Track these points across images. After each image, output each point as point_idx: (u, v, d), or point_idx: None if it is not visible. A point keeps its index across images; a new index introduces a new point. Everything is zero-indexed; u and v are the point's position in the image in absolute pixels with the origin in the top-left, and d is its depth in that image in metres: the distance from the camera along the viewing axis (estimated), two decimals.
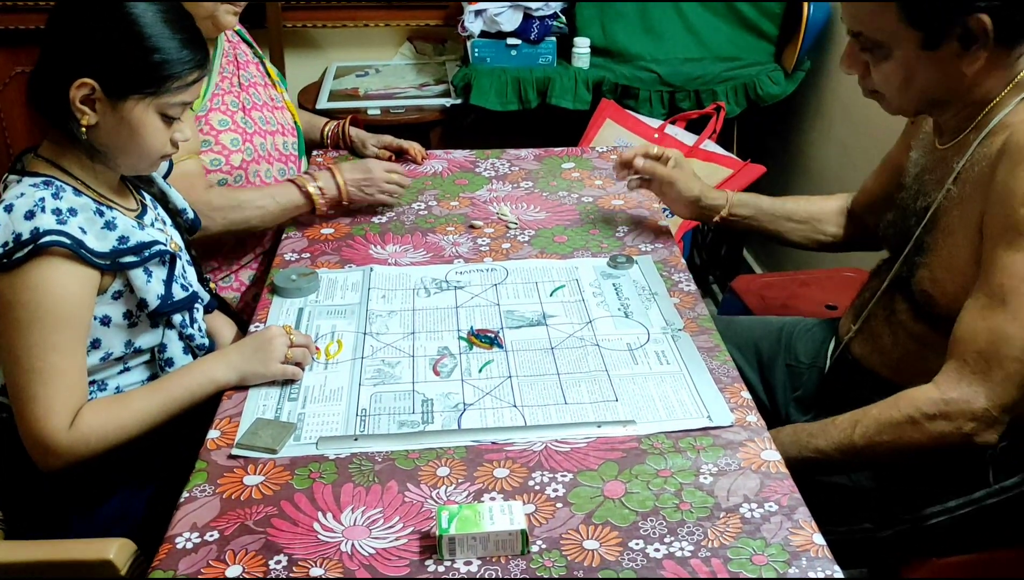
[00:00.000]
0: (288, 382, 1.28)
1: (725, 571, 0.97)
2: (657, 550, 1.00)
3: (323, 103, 2.62)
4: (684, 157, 1.65)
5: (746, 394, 1.25)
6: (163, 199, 1.41)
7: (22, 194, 1.16)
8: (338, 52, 2.95)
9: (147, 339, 1.29)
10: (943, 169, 1.28)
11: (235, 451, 1.15)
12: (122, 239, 1.22)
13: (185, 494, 1.08)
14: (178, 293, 1.29)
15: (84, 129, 1.17)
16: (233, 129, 1.68)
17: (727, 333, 1.47)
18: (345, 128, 2.02)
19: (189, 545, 1.00)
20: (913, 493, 1.30)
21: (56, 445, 1.15)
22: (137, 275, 1.23)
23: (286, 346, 1.27)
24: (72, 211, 1.18)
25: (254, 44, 1.86)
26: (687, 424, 1.19)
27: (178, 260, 1.31)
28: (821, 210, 1.66)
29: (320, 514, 1.05)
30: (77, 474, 1.21)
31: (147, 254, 1.24)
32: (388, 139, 2.00)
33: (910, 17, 1.15)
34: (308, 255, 1.62)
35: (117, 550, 1.09)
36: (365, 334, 1.40)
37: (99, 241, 1.19)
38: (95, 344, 1.24)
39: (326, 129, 2.03)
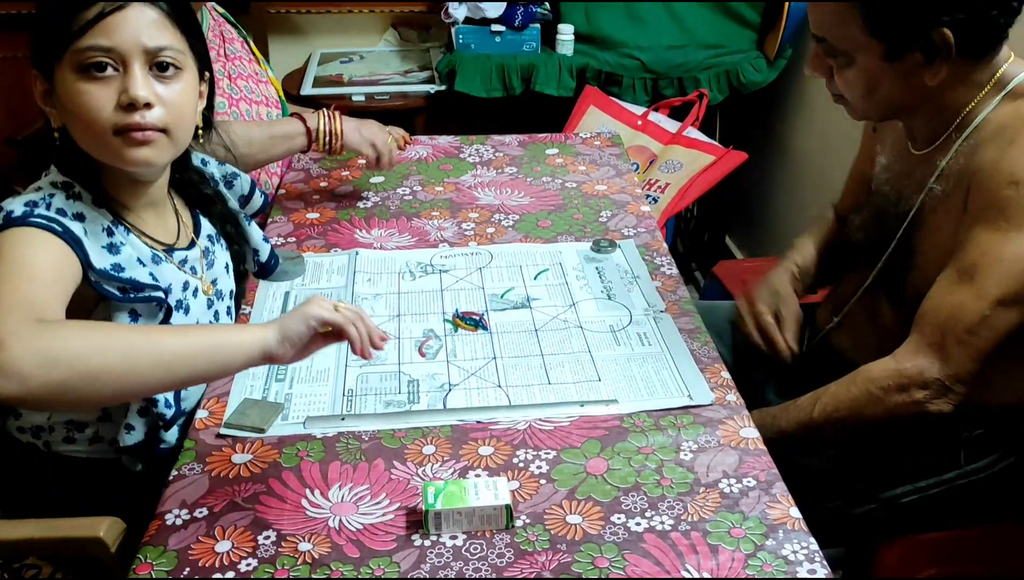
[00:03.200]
0: (276, 365, 1.24)
1: (704, 544, 0.99)
2: (638, 524, 1.02)
3: (307, 89, 2.63)
4: (785, 293, 1.52)
5: (726, 374, 1.28)
6: (235, 237, 1.30)
7: (38, 188, 1.07)
8: (322, 38, 2.95)
9: None
10: (923, 170, 1.28)
11: (223, 430, 1.16)
12: (116, 267, 1.06)
13: (174, 472, 1.09)
14: (141, 277, 1.10)
15: (56, 132, 1.05)
16: (219, 93, 1.70)
17: (706, 318, 1.49)
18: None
19: (179, 522, 1.02)
20: (888, 476, 1.33)
21: (14, 339, 0.86)
22: (120, 316, 1.08)
23: (330, 304, 1.03)
24: (80, 216, 1.05)
25: (239, 25, 1.88)
26: (668, 403, 1.22)
27: (176, 312, 1.14)
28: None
29: (308, 491, 1.07)
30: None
31: (135, 296, 1.07)
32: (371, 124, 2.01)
33: (873, 28, 1.15)
34: (294, 240, 1.63)
35: (107, 528, 1.10)
36: None
37: (95, 257, 1.04)
38: None
39: None
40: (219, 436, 1.16)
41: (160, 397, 1.12)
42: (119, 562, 1.10)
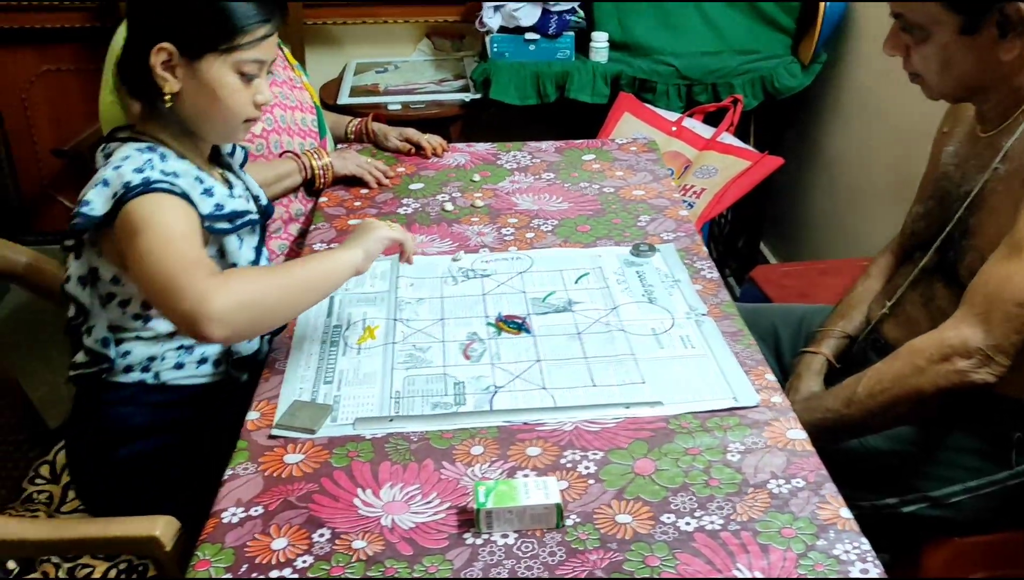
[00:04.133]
0: (323, 365, 1.31)
1: (755, 543, 1.00)
2: (688, 523, 1.03)
3: (344, 99, 2.66)
4: None
5: (770, 377, 1.28)
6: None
7: (128, 156, 1.20)
8: (357, 49, 2.99)
9: None
10: (988, 153, 1.30)
11: (275, 431, 1.18)
12: (218, 206, 1.26)
13: (229, 471, 1.11)
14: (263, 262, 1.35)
15: (168, 97, 1.21)
16: None
17: (747, 321, 1.49)
18: (367, 123, 2.06)
19: (235, 519, 1.04)
20: (937, 475, 1.32)
21: (210, 293, 1.09)
22: (231, 241, 1.29)
23: (385, 224, 1.34)
24: (176, 174, 1.22)
25: None
26: (713, 405, 1.22)
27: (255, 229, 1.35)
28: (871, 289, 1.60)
29: (359, 490, 1.09)
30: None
31: (239, 223, 1.29)
32: (410, 132, 2.04)
33: (950, 1, 1.18)
34: (336, 245, 1.65)
35: (163, 527, 1.13)
36: (395, 321, 1.43)
37: (200, 204, 1.23)
38: None
39: (349, 126, 2.08)
40: (271, 437, 1.18)
41: None
42: (176, 560, 1.13)
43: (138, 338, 1.29)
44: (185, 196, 1.19)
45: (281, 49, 1.90)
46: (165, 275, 1.10)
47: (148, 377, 1.30)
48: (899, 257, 1.57)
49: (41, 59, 2.90)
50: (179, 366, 1.31)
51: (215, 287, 1.10)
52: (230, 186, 1.36)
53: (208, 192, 1.26)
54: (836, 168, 2.67)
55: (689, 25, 2.56)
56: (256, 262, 1.34)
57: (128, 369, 1.30)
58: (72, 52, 2.88)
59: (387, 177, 1.89)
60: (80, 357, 1.31)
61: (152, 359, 1.30)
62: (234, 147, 1.50)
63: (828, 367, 1.51)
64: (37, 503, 1.41)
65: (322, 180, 1.83)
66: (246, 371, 1.38)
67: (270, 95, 1.28)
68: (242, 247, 1.31)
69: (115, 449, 1.31)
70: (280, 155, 1.80)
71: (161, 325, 1.28)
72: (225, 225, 1.27)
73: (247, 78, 1.24)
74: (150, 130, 1.26)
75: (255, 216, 1.34)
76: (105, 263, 1.25)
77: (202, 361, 1.33)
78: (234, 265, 1.30)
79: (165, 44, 1.19)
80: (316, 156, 1.83)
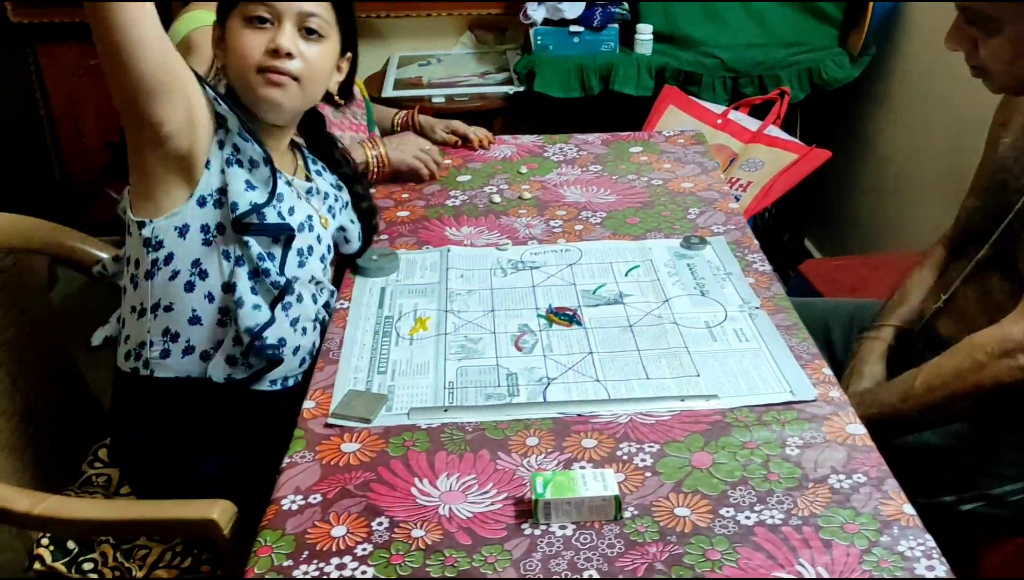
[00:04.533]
0: (376, 355, 1.31)
1: (817, 539, 0.98)
2: (748, 517, 1.02)
3: (388, 92, 2.67)
4: None
5: (827, 370, 1.26)
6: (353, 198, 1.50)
7: None
8: (400, 42, 3.00)
9: (214, 267, 1.24)
10: None
11: (330, 420, 1.19)
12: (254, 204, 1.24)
13: (287, 459, 1.12)
14: (271, 217, 1.26)
15: (216, 71, 1.28)
16: None
17: (799, 315, 1.47)
18: (414, 116, 2.07)
19: (295, 507, 1.05)
20: (996, 473, 1.30)
21: None
22: (236, 175, 1.23)
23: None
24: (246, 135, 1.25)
25: None
26: (770, 398, 1.21)
27: (286, 195, 1.29)
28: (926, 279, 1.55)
29: (416, 479, 1.09)
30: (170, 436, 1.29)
31: (258, 169, 1.25)
32: (456, 124, 2.04)
33: None
34: (386, 237, 1.66)
35: (220, 511, 1.14)
36: (446, 312, 1.43)
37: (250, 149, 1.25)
38: (167, 259, 1.23)
39: (396, 117, 2.08)
40: (327, 426, 1.18)
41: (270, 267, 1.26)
42: (231, 544, 1.14)
43: (131, 310, 1.27)
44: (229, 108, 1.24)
45: None
46: None
47: (140, 366, 1.28)
48: (951, 251, 1.54)
49: (87, 53, 2.93)
50: (165, 354, 1.26)
51: None
52: (305, 184, 1.37)
53: (250, 185, 1.24)
54: (885, 161, 2.63)
55: (735, 17, 2.53)
56: (252, 211, 1.23)
57: (128, 355, 1.29)
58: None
59: (439, 168, 1.88)
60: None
61: (143, 345, 1.27)
62: (357, 180, 1.51)
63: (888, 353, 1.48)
64: (96, 486, 1.43)
65: (375, 171, 1.81)
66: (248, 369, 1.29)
67: (288, 43, 1.23)
68: (248, 192, 1.23)
69: (150, 440, 1.32)
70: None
71: (143, 293, 1.25)
72: (234, 154, 1.24)
73: (258, 26, 1.23)
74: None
75: (283, 224, 1.27)
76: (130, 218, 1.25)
77: (187, 350, 1.27)
78: (227, 217, 1.24)
79: (216, 21, 1.28)
80: (370, 145, 1.81)
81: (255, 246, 1.25)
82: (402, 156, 1.83)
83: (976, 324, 1.36)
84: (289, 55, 1.24)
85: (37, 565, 1.31)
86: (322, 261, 1.38)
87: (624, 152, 1.97)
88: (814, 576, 0.94)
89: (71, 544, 1.32)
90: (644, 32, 2.54)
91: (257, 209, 1.23)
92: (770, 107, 2.46)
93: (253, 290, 1.26)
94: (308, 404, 1.22)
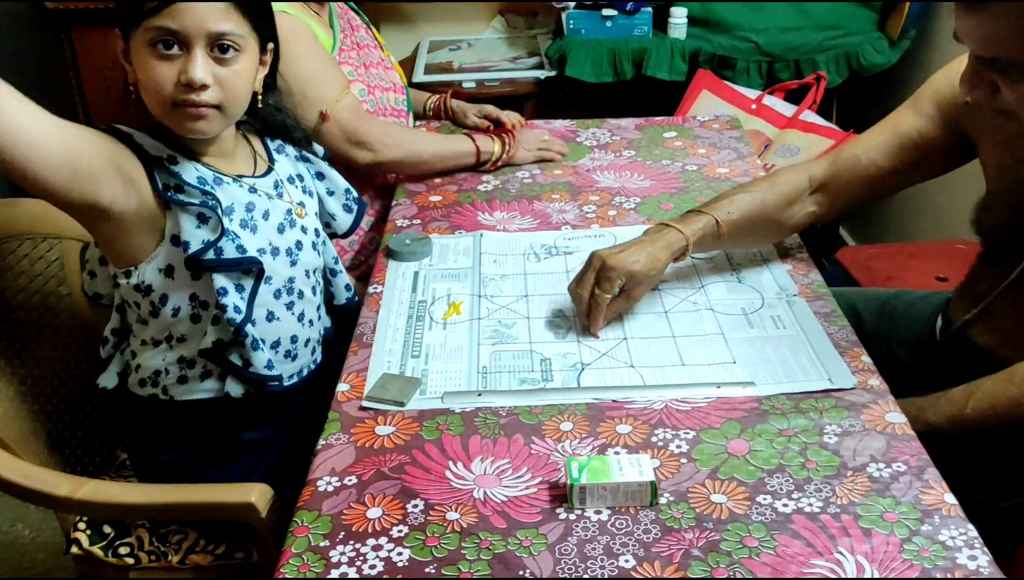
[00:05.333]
0: (410, 339, 1.32)
1: (856, 527, 0.97)
2: (786, 505, 1.00)
3: (419, 76, 2.67)
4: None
5: (866, 358, 1.24)
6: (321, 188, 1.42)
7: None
8: (430, 27, 2.99)
9: (213, 297, 1.21)
10: None
11: (365, 403, 1.19)
12: (201, 180, 1.18)
13: (322, 442, 1.13)
14: (229, 250, 1.18)
15: (132, 87, 1.13)
16: (360, 80, 1.76)
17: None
18: (446, 100, 2.06)
19: (330, 488, 1.05)
20: None
21: None
22: (182, 213, 1.16)
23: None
24: (172, 159, 1.16)
25: (360, 11, 1.92)
26: (808, 386, 1.19)
27: (228, 218, 1.19)
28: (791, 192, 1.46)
29: (451, 463, 1.09)
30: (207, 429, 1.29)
31: (201, 202, 1.17)
32: (489, 108, 2.03)
33: None
34: (419, 221, 1.66)
35: (258, 494, 1.15)
36: (480, 297, 1.43)
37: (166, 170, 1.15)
38: (162, 300, 1.20)
39: (428, 102, 2.08)
40: (361, 409, 1.19)
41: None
42: (269, 528, 1.15)
43: (142, 343, 1.27)
44: (129, 137, 1.12)
45: (369, 28, 1.91)
46: None
47: (159, 392, 1.28)
48: (819, 188, 1.47)
49: None
50: (183, 380, 1.26)
51: None
52: (265, 174, 1.29)
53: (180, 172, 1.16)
54: None
55: (771, 0, 2.50)
56: (205, 250, 1.17)
57: (143, 383, 1.28)
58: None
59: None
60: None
61: (158, 373, 1.26)
62: (309, 144, 1.42)
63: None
64: (130, 469, 1.45)
65: (492, 166, 1.82)
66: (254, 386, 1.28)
67: (201, 74, 1.09)
68: (199, 229, 1.17)
69: (150, 458, 1.33)
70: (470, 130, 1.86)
71: (153, 328, 1.25)
72: (180, 197, 1.15)
73: (164, 53, 1.09)
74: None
75: (288, 208, 1.26)
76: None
77: (204, 375, 1.27)
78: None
79: (116, 29, 1.13)
80: (495, 142, 1.81)
81: (219, 280, 1.19)
82: (525, 154, 1.84)
83: (1015, 338, 1.32)
84: (204, 86, 1.11)
85: (74, 549, 1.33)
86: (315, 248, 1.36)
87: (658, 137, 1.95)
88: (853, 564, 0.93)
89: (107, 528, 1.34)
90: (678, 16, 2.51)
91: (211, 245, 1.17)
92: (806, 92, 2.43)
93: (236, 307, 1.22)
94: (342, 387, 1.23)
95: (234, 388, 1.27)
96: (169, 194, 1.15)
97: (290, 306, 1.31)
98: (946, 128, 1.39)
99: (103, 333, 1.31)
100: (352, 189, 1.46)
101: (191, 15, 1.09)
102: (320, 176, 1.43)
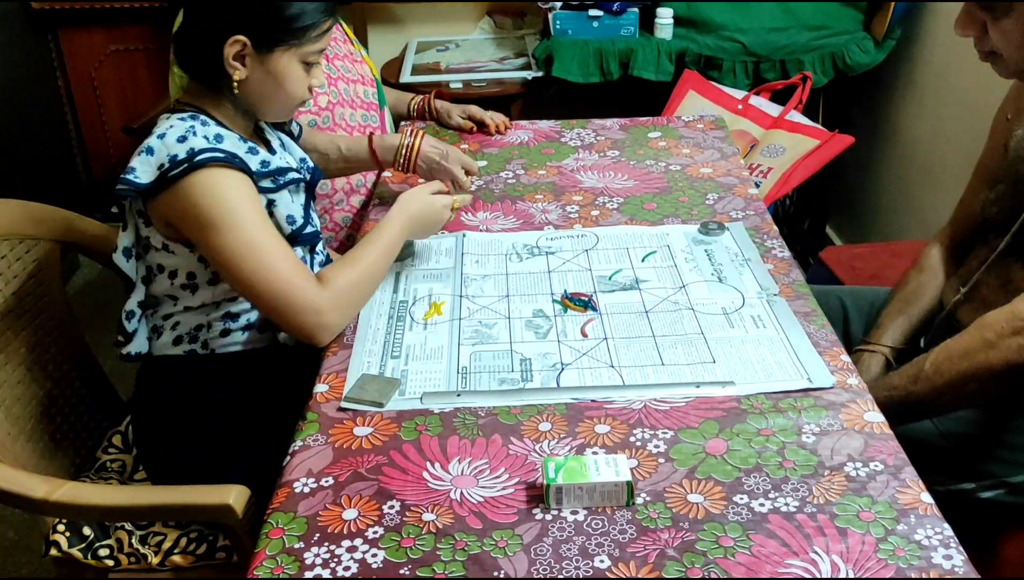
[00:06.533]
0: (390, 339, 1.32)
1: (832, 526, 0.97)
2: (762, 504, 1.00)
3: (406, 77, 2.66)
4: None
5: (845, 358, 1.24)
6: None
7: (172, 125, 1.25)
8: (418, 27, 2.98)
9: None
10: None
11: (343, 404, 1.19)
12: (264, 163, 1.30)
13: (299, 442, 1.12)
14: (312, 223, 1.37)
15: (236, 84, 1.26)
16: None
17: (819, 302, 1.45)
18: (430, 101, 2.06)
19: (306, 490, 1.05)
20: (1016, 461, 1.28)
21: (323, 304, 1.24)
22: (282, 197, 1.32)
23: (448, 217, 1.47)
24: (219, 137, 1.26)
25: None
26: (787, 385, 1.19)
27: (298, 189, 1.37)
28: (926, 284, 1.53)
29: (428, 463, 1.09)
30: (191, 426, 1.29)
31: (283, 181, 1.32)
32: (473, 109, 2.03)
33: None
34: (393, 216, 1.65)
35: (236, 496, 1.15)
36: (461, 297, 1.43)
37: (250, 161, 1.28)
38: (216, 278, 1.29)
39: (412, 103, 2.08)
40: (340, 409, 1.18)
41: None
42: (247, 529, 1.14)
43: (186, 309, 1.31)
44: (233, 157, 1.23)
45: (341, 24, 1.90)
46: (271, 291, 1.22)
47: (197, 347, 1.33)
48: (950, 248, 1.53)
49: (110, 39, 2.95)
50: (225, 333, 1.33)
51: (325, 297, 1.25)
52: (271, 151, 1.38)
53: (252, 151, 1.30)
54: (909, 147, 2.58)
55: (757, 1, 2.50)
56: (305, 223, 1.35)
57: (178, 340, 1.33)
58: (141, 32, 2.93)
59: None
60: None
61: (199, 328, 1.33)
62: (289, 121, 1.52)
63: (886, 367, 1.45)
64: (110, 471, 1.45)
65: (401, 161, 1.66)
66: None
67: (323, 79, 1.37)
68: (293, 202, 1.34)
69: (176, 425, 1.33)
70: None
71: (207, 294, 1.31)
72: (268, 183, 1.30)
73: (308, 67, 1.30)
74: (199, 102, 1.30)
75: (299, 175, 1.36)
76: (154, 232, 1.27)
77: (247, 326, 1.34)
78: (280, 225, 1.31)
79: (240, 37, 1.23)
80: (410, 134, 1.65)
81: (293, 206, 1.35)
82: (431, 161, 1.65)
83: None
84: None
85: (53, 551, 1.32)
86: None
87: (642, 137, 1.95)
88: (828, 563, 0.93)
89: (87, 530, 1.33)
90: (665, 16, 2.51)
91: (266, 166, 1.31)
92: (792, 92, 2.43)
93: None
94: (321, 388, 1.22)
95: (283, 334, 1.34)
96: (261, 184, 1.29)
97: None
98: None
99: (124, 309, 1.32)
100: (308, 158, 1.49)
101: (330, 36, 1.32)
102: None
